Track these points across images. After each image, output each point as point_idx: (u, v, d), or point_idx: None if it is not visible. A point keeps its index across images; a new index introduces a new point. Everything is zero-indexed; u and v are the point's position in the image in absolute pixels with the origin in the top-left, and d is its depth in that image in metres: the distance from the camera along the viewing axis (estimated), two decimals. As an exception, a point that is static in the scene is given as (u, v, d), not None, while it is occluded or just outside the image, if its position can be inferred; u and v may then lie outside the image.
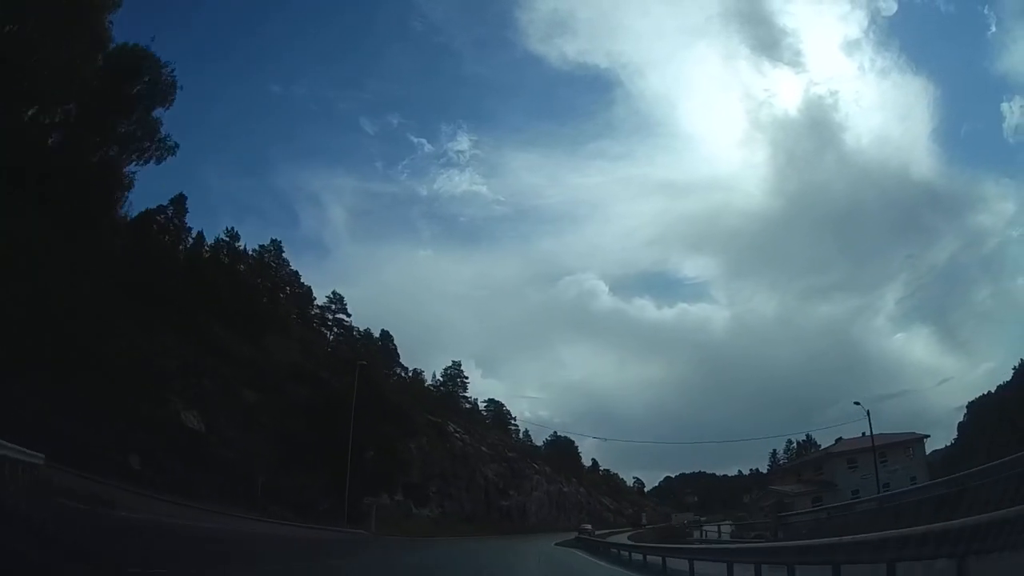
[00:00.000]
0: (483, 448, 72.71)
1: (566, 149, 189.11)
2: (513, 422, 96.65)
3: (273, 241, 60.63)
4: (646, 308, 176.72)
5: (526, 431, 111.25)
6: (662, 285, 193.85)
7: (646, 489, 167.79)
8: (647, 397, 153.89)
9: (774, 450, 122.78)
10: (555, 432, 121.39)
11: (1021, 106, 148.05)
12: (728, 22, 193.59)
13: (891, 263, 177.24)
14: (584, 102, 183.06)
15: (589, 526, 62.74)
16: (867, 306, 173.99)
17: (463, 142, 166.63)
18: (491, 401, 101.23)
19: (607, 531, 61.96)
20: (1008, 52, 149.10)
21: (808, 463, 61.82)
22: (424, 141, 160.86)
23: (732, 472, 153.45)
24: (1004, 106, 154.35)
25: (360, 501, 37.82)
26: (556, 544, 42.92)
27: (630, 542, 31.13)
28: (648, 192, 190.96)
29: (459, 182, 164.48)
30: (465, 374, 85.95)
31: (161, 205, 37.76)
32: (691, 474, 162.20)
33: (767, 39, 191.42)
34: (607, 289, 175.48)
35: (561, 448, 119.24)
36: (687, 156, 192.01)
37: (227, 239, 49.37)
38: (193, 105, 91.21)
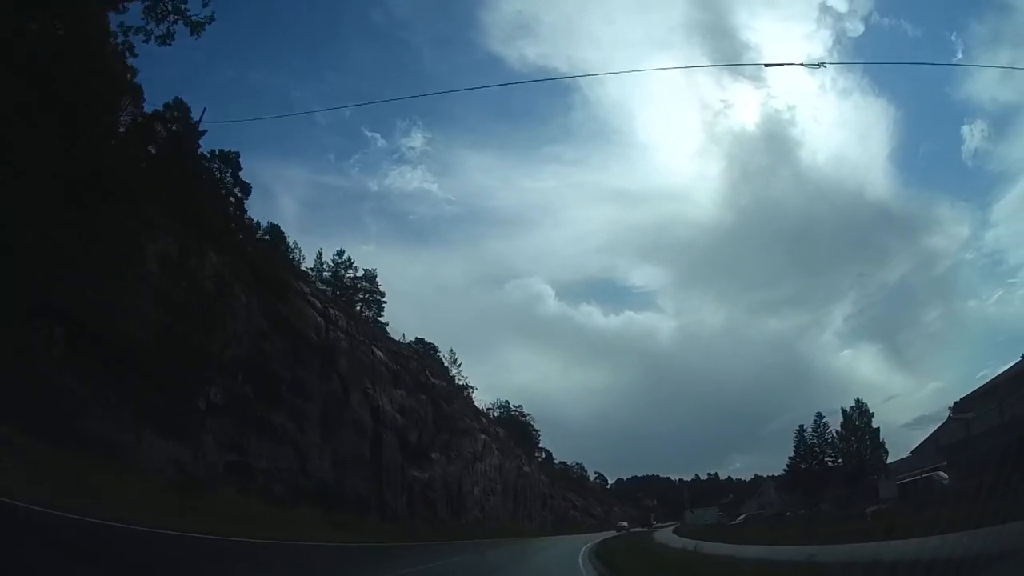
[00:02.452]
0: (375, 351, 36.70)
1: (521, 152, 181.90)
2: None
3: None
4: (592, 315, 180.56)
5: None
6: (609, 292, 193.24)
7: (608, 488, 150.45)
8: (592, 403, 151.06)
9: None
10: (507, 403, 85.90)
11: (982, 130, 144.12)
12: (691, 34, 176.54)
13: (841, 281, 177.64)
14: (541, 106, 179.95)
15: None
16: (815, 322, 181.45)
17: (417, 139, 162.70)
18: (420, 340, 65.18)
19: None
20: (973, 78, 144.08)
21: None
22: (378, 136, 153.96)
23: (687, 476, 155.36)
24: (965, 129, 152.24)
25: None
26: None
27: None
28: (600, 199, 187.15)
29: (411, 179, 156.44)
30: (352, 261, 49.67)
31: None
32: (643, 477, 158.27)
33: (729, 53, 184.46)
34: (554, 294, 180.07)
35: (514, 427, 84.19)
36: (641, 165, 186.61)
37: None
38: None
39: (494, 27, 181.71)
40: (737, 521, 50.92)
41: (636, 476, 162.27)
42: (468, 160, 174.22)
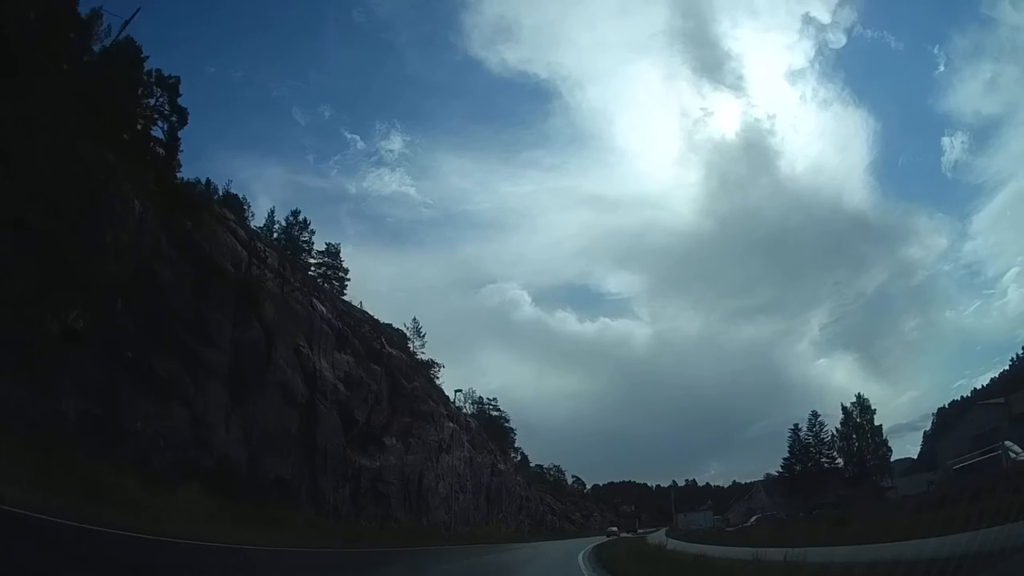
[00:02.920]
0: (316, 303, 29.09)
1: (499, 156, 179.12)
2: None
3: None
4: (568, 320, 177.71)
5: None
6: (585, 298, 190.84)
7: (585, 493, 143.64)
8: (567, 410, 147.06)
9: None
10: (480, 399, 78.39)
11: (963, 142, 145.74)
12: (673, 41, 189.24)
13: (818, 289, 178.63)
14: (521, 110, 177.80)
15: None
16: (791, 330, 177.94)
17: (396, 142, 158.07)
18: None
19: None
20: (955, 91, 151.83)
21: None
22: (357, 138, 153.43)
23: (664, 482, 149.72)
24: (945, 140, 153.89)
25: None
26: None
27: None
28: (578, 204, 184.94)
29: (389, 182, 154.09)
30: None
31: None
32: (620, 483, 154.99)
33: (710, 61, 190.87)
34: (530, 299, 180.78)
35: (490, 425, 76.76)
36: (620, 171, 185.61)
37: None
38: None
39: (475, 30, 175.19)
40: (749, 523, 44.32)
41: (612, 482, 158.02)
42: (447, 164, 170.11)
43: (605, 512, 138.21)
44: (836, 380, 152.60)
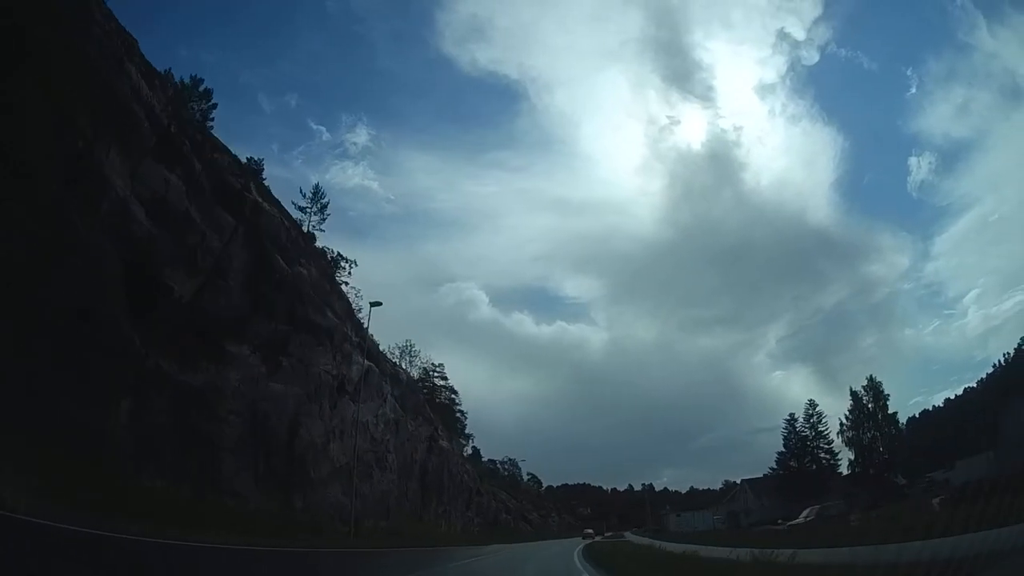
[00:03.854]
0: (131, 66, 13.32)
1: (465, 155, 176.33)
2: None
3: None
4: (524, 323, 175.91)
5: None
6: (543, 301, 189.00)
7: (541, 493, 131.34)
8: (521, 411, 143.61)
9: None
10: (428, 368, 63.05)
11: (930, 163, 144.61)
12: (644, 49, 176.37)
13: (777, 303, 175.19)
14: (489, 111, 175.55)
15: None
16: (749, 342, 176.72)
17: (362, 135, 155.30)
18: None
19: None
20: (925, 113, 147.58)
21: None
22: (323, 129, 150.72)
23: (620, 486, 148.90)
24: (912, 160, 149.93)
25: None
26: None
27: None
28: (541, 207, 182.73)
29: (352, 175, 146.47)
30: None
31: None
32: (575, 485, 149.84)
33: (681, 70, 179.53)
34: (487, 300, 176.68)
35: (434, 400, 61.61)
36: (584, 176, 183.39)
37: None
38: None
39: (448, 27, 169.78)
40: (797, 521, 31.82)
41: (567, 484, 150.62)
42: (412, 160, 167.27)
43: (563, 514, 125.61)
44: (792, 393, 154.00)
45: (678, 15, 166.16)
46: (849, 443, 63.49)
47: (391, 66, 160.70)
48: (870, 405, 63.56)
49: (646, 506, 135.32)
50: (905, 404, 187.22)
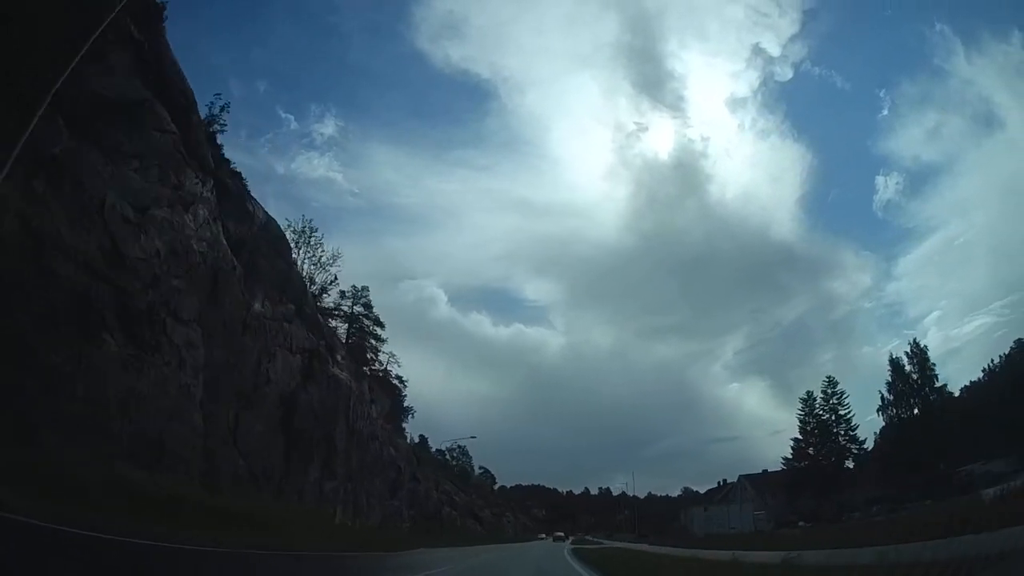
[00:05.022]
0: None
1: (431, 152, 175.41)
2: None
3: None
4: (482, 324, 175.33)
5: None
6: (502, 303, 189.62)
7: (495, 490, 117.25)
8: (474, 411, 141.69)
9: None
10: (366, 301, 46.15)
11: (897, 183, 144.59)
12: (618, 55, 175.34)
13: (736, 315, 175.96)
14: (459, 108, 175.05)
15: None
16: (706, 352, 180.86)
17: (329, 126, 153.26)
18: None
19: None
20: (896, 135, 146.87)
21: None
22: (292, 118, 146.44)
23: (576, 489, 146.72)
24: (879, 179, 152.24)
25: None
26: None
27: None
28: (504, 208, 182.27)
29: (317, 166, 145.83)
30: None
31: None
32: (528, 486, 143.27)
33: (652, 79, 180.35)
34: (446, 299, 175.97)
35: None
36: (550, 179, 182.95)
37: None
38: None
39: (424, 23, 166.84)
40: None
41: (521, 485, 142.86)
42: (378, 154, 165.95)
43: (518, 514, 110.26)
44: (748, 404, 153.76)
45: (654, 23, 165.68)
46: (891, 424, 50.38)
47: (364, 58, 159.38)
48: (915, 375, 50.86)
49: (619, 509, 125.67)
50: (861, 420, 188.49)
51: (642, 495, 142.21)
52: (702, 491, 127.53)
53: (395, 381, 62.48)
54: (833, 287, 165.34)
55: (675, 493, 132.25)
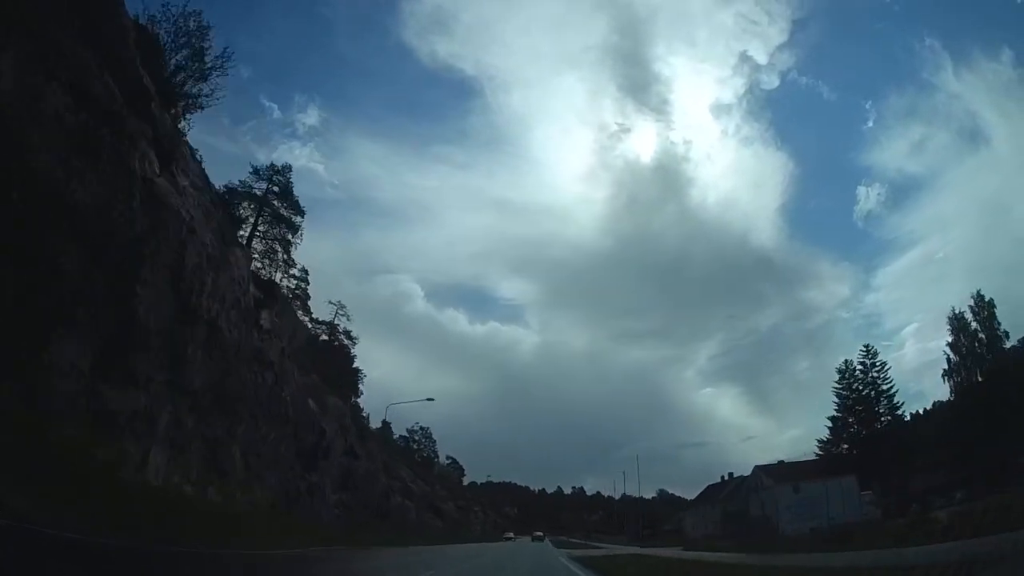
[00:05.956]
0: None
1: (412, 147, 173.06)
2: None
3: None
4: (458, 320, 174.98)
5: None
6: (478, 301, 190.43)
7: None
8: (446, 408, 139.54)
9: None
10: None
11: (879, 194, 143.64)
12: (604, 57, 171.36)
13: (711, 320, 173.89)
14: (442, 104, 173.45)
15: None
16: (679, 357, 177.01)
17: (313, 116, 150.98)
18: None
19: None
20: (880, 147, 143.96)
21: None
22: (275, 106, 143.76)
23: (549, 488, 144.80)
24: (861, 189, 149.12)
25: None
26: None
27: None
28: (483, 206, 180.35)
29: (299, 156, 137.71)
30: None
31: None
32: (499, 483, 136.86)
33: (638, 82, 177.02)
34: (423, 295, 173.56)
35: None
36: (529, 179, 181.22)
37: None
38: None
39: (412, 17, 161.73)
40: None
41: (492, 482, 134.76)
42: (359, 146, 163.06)
43: (487, 510, 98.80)
44: (720, 411, 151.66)
45: (643, 27, 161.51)
46: (958, 387, 40.26)
47: (350, 50, 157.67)
48: (982, 335, 41.10)
49: (595, 509, 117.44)
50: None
51: (616, 496, 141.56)
52: (677, 494, 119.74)
53: (343, 337, 50.86)
54: (810, 296, 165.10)
55: (649, 495, 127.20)
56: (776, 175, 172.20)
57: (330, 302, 50.38)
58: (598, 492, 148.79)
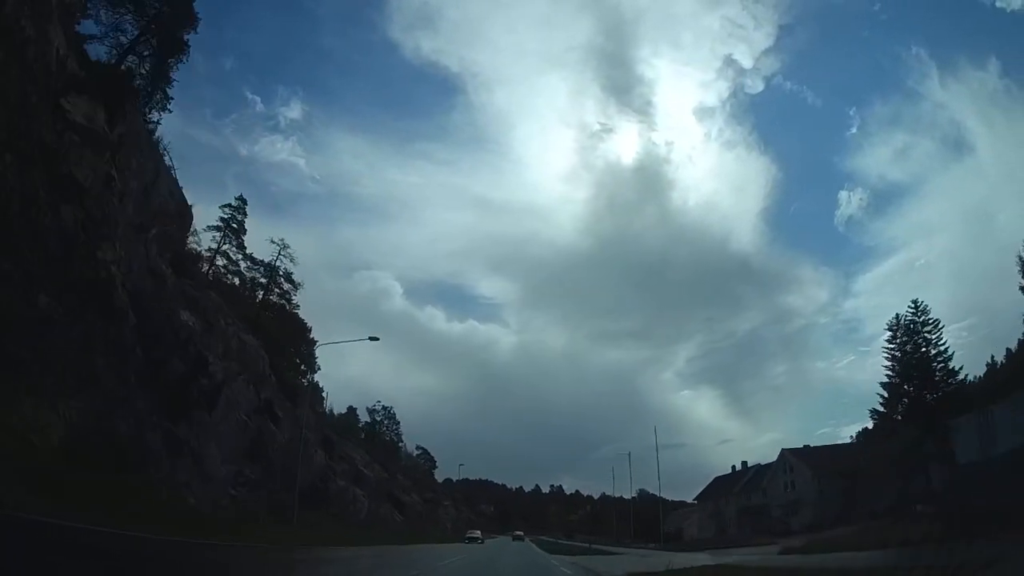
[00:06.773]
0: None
1: (394, 143, 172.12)
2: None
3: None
4: (436, 318, 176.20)
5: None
6: (457, 299, 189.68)
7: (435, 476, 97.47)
8: (420, 405, 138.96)
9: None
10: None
11: (861, 199, 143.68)
12: (588, 57, 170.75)
13: (690, 323, 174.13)
14: (425, 101, 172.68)
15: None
16: (657, 359, 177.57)
17: (295, 110, 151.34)
18: None
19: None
20: (863, 154, 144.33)
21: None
22: (258, 99, 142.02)
23: (527, 486, 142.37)
24: (843, 194, 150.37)
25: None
26: None
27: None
28: (463, 204, 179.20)
29: (280, 149, 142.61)
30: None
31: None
32: (475, 480, 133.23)
33: (621, 83, 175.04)
34: (402, 292, 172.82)
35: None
36: (511, 178, 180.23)
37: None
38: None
39: (398, 13, 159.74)
40: None
41: (468, 479, 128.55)
42: (341, 141, 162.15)
43: (461, 507, 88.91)
44: (697, 413, 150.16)
45: (628, 29, 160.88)
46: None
47: (335, 45, 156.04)
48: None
49: (574, 509, 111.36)
50: (812, 434, 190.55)
51: (595, 495, 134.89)
52: (658, 494, 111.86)
53: (283, 280, 40.68)
54: (790, 300, 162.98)
55: (628, 496, 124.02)
56: (758, 179, 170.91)
57: (271, 240, 40.52)
58: (577, 491, 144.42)
